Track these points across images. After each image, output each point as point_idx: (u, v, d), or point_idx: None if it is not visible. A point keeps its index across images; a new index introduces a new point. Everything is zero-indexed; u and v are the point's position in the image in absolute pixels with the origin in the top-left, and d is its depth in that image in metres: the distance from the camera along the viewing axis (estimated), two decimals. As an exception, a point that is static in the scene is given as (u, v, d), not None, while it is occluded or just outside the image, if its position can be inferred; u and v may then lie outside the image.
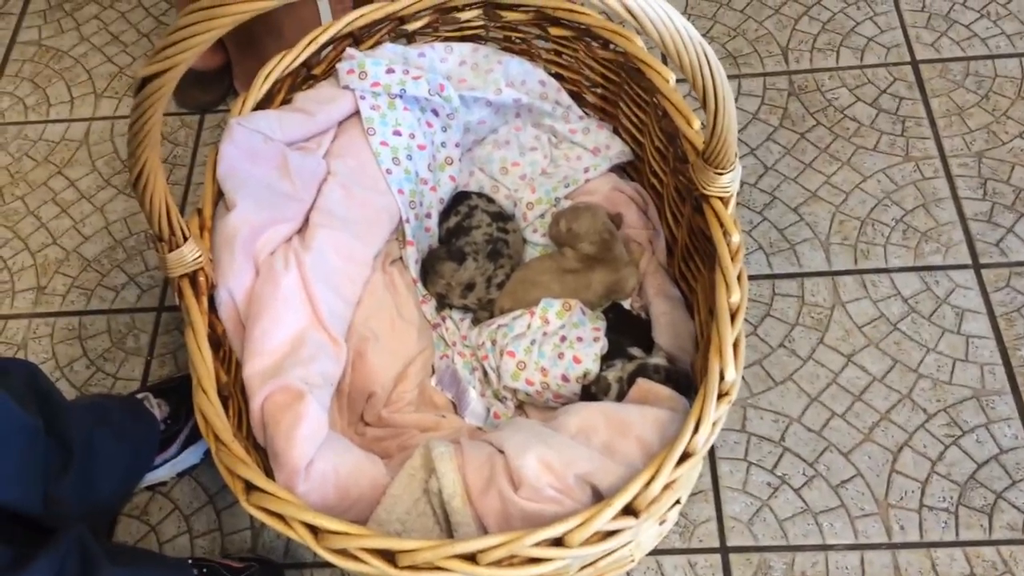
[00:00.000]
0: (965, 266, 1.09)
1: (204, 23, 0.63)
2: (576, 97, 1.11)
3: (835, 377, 1.03)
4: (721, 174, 0.81)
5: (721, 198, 0.84)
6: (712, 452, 1.00)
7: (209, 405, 0.78)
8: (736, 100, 1.25)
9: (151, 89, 0.66)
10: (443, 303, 1.04)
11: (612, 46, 1.02)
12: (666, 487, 0.72)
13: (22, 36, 1.44)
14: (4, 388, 0.82)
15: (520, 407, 0.98)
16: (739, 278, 0.80)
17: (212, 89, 1.31)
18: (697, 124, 0.89)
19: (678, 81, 0.93)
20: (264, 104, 0.99)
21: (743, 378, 1.03)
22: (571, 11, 1.02)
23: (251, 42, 1.21)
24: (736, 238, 0.82)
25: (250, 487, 0.73)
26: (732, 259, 0.81)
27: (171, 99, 1.34)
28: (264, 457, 0.84)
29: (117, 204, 1.24)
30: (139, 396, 1.01)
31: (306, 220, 0.96)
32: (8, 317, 1.16)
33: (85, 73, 1.39)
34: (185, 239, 0.82)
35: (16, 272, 1.20)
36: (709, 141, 0.77)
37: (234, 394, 0.87)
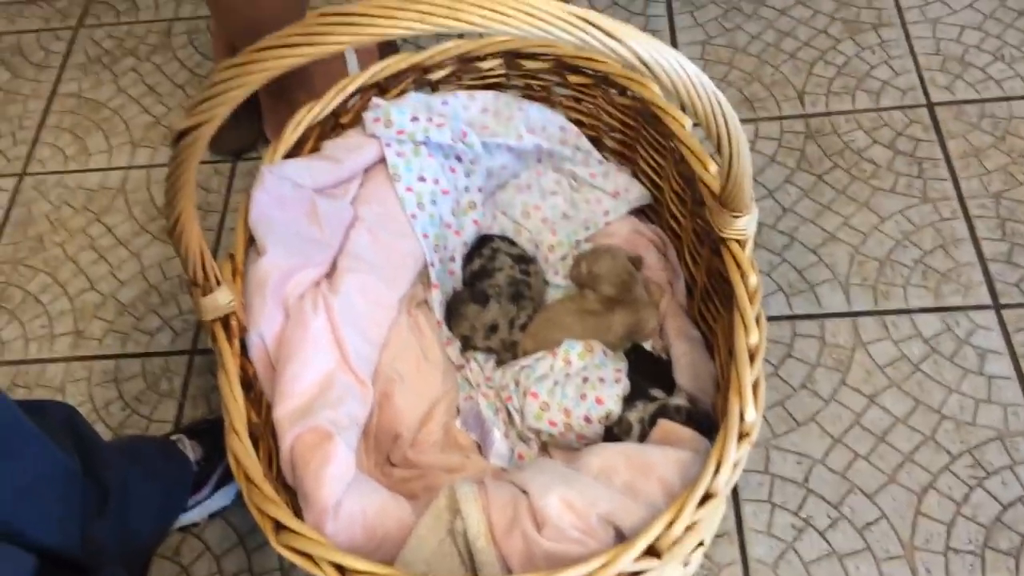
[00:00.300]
0: (986, 307, 1.09)
1: (238, 79, 0.66)
2: (595, 142, 1.14)
3: (858, 418, 1.04)
4: (737, 217, 0.83)
5: (738, 240, 0.85)
6: (736, 493, 1.01)
7: (240, 446, 0.80)
8: (753, 144, 1.27)
9: (187, 142, 0.70)
10: (467, 345, 1.06)
11: (629, 93, 1.04)
12: (688, 528, 0.73)
13: (62, 89, 1.49)
14: (43, 429, 0.84)
15: (544, 448, 1.00)
16: (757, 319, 0.81)
17: (240, 134, 1.34)
18: (713, 168, 0.91)
19: (695, 126, 0.95)
20: (294, 152, 1.03)
21: (766, 419, 1.04)
22: (589, 59, 1.05)
23: (282, 92, 1.26)
24: (754, 280, 0.83)
25: (279, 527, 0.75)
26: (750, 301, 0.83)
27: (220, 154, 1.38)
28: (294, 498, 0.86)
29: (152, 250, 1.28)
30: (173, 438, 1.04)
31: (334, 264, 0.99)
32: (47, 361, 1.19)
33: (122, 123, 1.44)
34: (218, 284, 0.85)
35: (55, 317, 1.23)
36: (724, 185, 0.79)
37: (265, 435, 0.89)
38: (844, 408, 1.04)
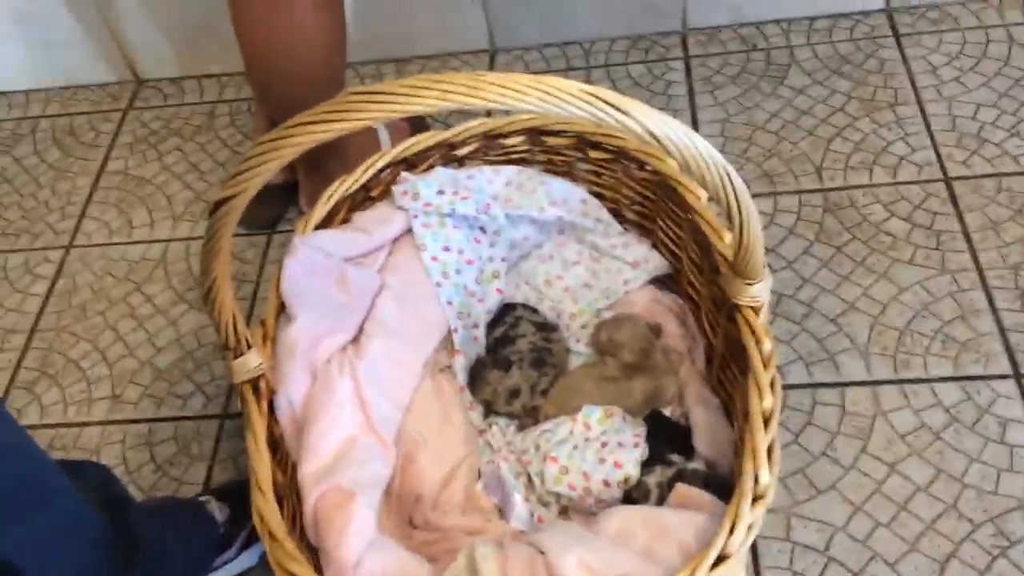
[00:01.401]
0: (1006, 376, 1.10)
1: (271, 152, 0.70)
2: (616, 214, 1.18)
3: (879, 486, 1.04)
4: (751, 284, 0.86)
5: (752, 307, 0.88)
6: (756, 561, 1.01)
7: (265, 503, 0.83)
8: (772, 217, 1.30)
9: (223, 211, 0.74)
10: (489, 410, 1.08)
11: (647, 167, 1.08)
12: (703, 589, 0.74)
13: (110, 167, 1.57)
14: (77, 488, 0.88)
15: (563, 512, 1.00)
16: (772, 384, 0.83)
17: (272, 207, 1.40)
18: (728, 238, 0.94)
19: (710, 200, 0.98)
20: (326, 223, 1.08)
21: (786, 486, 1.05)
22: (608, 135, 1.09)
23: (317, 165, 1.32)
24: (768, 346, 0.85)
25: (301, 584, 0.77)
26: (764, 365, 0.84)
27: (251, 228, 1.44)
28: (316, 559, 0.88)
29: (189, 318, 1.33)
30: (201, 499, 1.06)
31: (361, 330, 1.03)
32: (85, 424, 1.23)
33: (165, 199, 1.51)
34: (249, 347, 0.89)
35: (94, 382, 1.28)
36: (737, 253, 0.82)
37: (289, 496, 0.91)
38: (865, 476, 1.04)
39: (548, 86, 0.64)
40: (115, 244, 1.45)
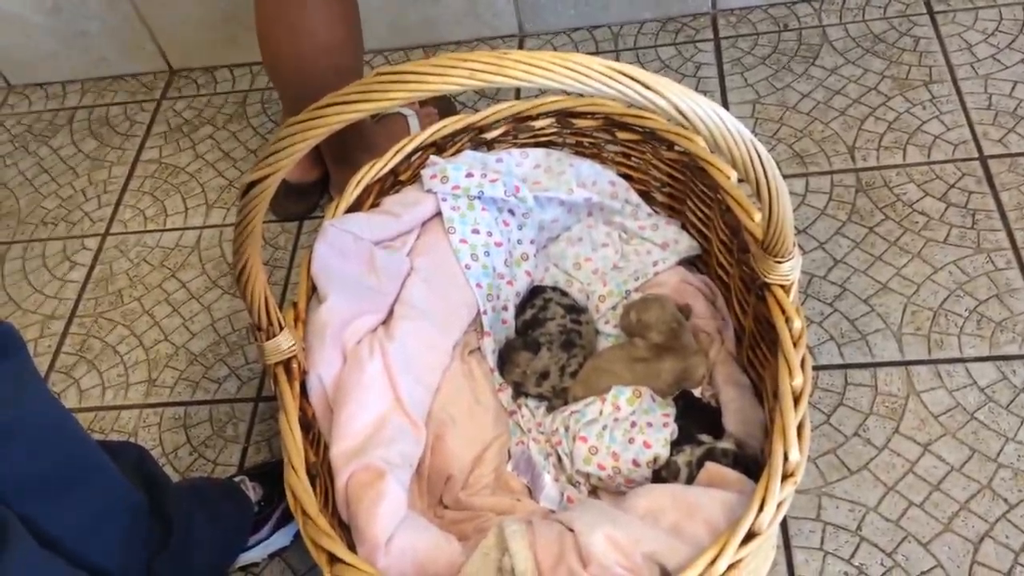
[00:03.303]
0: (1043, 355, 1.08)
1: (301, 133, 0.71)
2: (644, 196, 1.18)
3: (912, 466, 1.03)
4: (780, 262, 0.85)
5: (782, 285, 0.87)
6: (787, 541, 1.00)
7: (298, 482, 0.84)
8: (804, 197, 1.29)
9: (255, 192, 0.75)
10: (519, 391, 1.08)
11: (676, 147, 1.08)
12: (732, 566, 0.74)
13: (144, 156, 1.60)
14: (116, 467, 0.90)
15: (593, 492, 1.01)
16: (802, 362, 0.83)
17: (304, 201, 1.42)
18: (758, 217, 0.94)
19: (740, 180, 0.98)
20: (355, 208, 1.08)
21: (817, 466, 1.04)
22: (637, 116, 1.09)
23: (347, 157, 1.32)
24: (798, 324, 0.85)
25: (333, 559, 0.78)
26: (794, 344, 0.84)
27: (269, 210, 1.46)
28: (348, 535, 0.89)
29: (222, 303, 1.35)
30: (236, 479, 1.08)
31: (390, 312, 1.04)
32: (122, 407, 1.26)
33: (199, 186, 1.53)
34: (281, 329, 0.90)
35: (131, 366, 1.30)
36: (766, 231, 0.81)
37: (321, 474, 0.92)
38: (898, 456, 1.04)
39: (575, 63, 0.64)
40: (150, 232, 1.47)
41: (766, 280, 0.87)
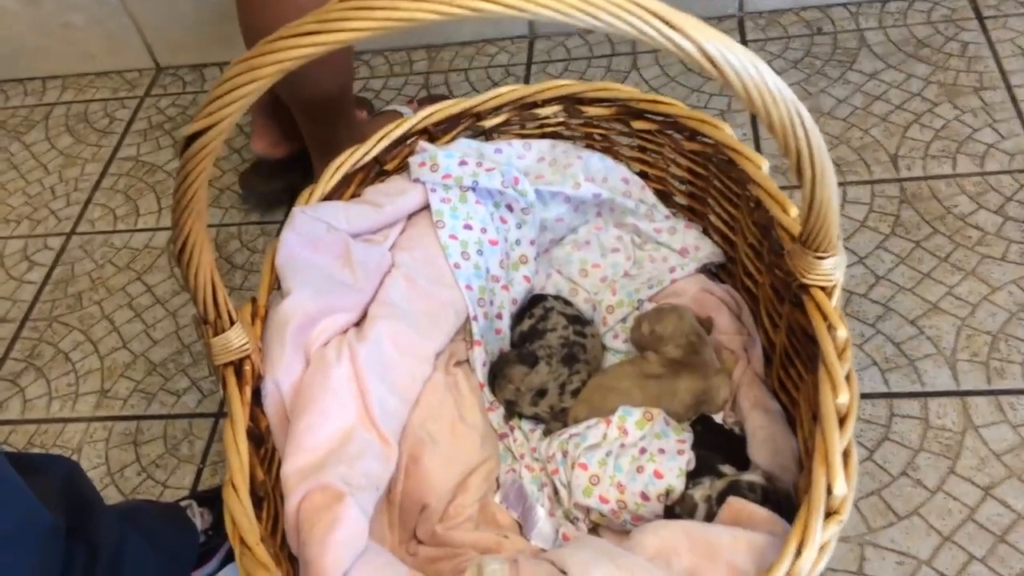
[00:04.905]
0: (1122, 388, 0.93)
1: (249, 73, 0.59)
2: (662, 196, 1.04)
3: (971, 513, 0.87)
4: (822, 258, 0.71)
5: (823, 287, 0.73)
6: (822, 597, 0.84)
7: (237, 503, 0.70)
8: (842, 208, 1.15)
9: (196, 148, 0.62)
10: (512, 411, 0.94)
11: (699, 137, 0.95)
12: (762, 624, 0.60)
13: (121, 153, 1.48)
14: (33, 484, 0.76)
15: (594, 530, 0.86)
16: (848, 378, 0.68)
17: (272, 181, 1.29)
18: (794, 211, 0.80)
19: (772, 168, 0.85)
20: (332, 197, 0.95)
21: (859, 510, 0.89)
22: (655, 102, 0.96)
23: (333, 149, 1.20)
24: (843, 332, 0.71)
25: (271, 598, 0.64)
26: (839, 356, 0.70)
27: (249, 201, 1.33)
28: (298, 570, 0.75)
29: (189, 309, 1.22)
30: (183, 503, 0.93)
31: (365, 313, 0.90)
32: (68, 420, 1.12)
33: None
34: (232, 323, 0.76)
35: (82, 375, 1.17)
36: (807, 217, 0.67)
37: (270, 495, 0.78)
38: (954, 501, 0.88)
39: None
40: (119, 232, 1.35)
41: (804, 281, 0.73)
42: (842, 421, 0.66)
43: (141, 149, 1.48)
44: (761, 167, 0.87)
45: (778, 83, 0.59)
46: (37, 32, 1.58)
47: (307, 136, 1.24)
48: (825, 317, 0.72)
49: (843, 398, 0.67)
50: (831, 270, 0.72)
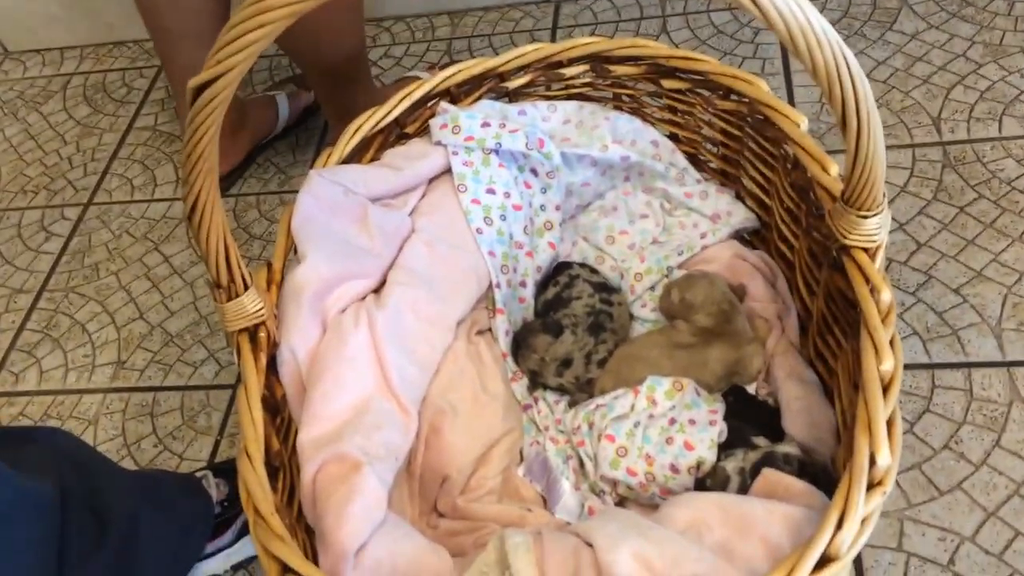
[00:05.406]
0: None
1: (261, 16, 0.55)
2: (694, 160, 1.00)
3: (1017, 487, 0.83)
4: (867, 216, 0.67)
5: (866, 248, 0.69)
6: (861, 574, 0.81)
7: (251, 472, 0.67)
8: (880, 173, 1.10)
9: (205, 100, 0.59)
10: (536, 382, 0.91)
11: (733, 95, 0.90)
12: (800, 601, 0.56)
13: (139, 123, 1.46)
14: (25, 457, 0.74)
15: (621, 503, 0.82)
16: (892, 343, 0.64)
17: (226, 154, 1.24)
18: (835, 170, 0.76)
19: (808, 128, 0.80)
20: (351, 161, 0.92)
21: (899, 485, 0.85)
22: (687, 58, 0.92)
23: (351, 115, 1.17)
24: (887, 295, 0.67)
25: (287, 570, 0.61)
26: (883, 320, 0.66)
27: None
28: (315, 541, 0.72)
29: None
30: (198, 474, 0.91)
31: (384, 280, 0.87)
32: (84, 391, 1.10)
33: (194, 156, 1.38)
34: (246, 288, 0.73)
35: (99, 346, 1.15)
36: (851, 171, 0.63)
37: (286, 466, 0.75)
38: (999, 475, 0.84)
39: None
40: (136, 202, 1.32)
41: (845, 243, 0.69)
42: (886, 388, 0.63)
43: (159, 119, 1.45)
44: (799, 124, 0.83)
45: (823, 23, 0.55)
46: (55, 2, 1.56)
47: (323, 102, 1.21)
48: (868, 279, 0.68)
49: (887, 364, 0.63)
50: (876, 229, 0.68)
